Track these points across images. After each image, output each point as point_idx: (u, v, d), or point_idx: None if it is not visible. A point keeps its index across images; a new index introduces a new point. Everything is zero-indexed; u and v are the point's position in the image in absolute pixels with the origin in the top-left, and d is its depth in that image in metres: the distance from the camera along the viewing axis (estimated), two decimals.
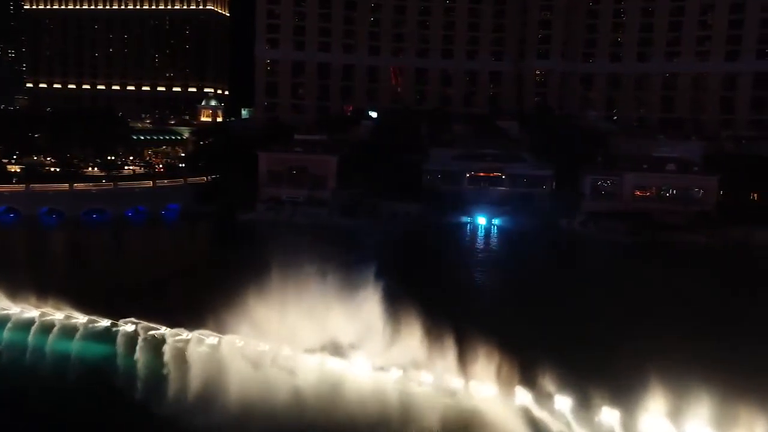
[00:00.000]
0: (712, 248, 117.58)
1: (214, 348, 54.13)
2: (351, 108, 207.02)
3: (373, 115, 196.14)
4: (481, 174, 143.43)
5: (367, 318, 51.68)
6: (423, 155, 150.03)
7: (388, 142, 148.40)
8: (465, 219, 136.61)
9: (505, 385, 44.07)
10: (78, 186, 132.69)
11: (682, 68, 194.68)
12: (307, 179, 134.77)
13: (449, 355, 47.36)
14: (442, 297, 72.81)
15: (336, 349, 51.06)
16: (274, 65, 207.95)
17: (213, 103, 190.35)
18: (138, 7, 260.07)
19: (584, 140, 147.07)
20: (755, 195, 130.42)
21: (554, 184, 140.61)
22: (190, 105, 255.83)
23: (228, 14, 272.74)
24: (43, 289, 64.89)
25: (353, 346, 51.10)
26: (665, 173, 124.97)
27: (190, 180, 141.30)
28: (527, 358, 46.41)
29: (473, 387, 45.51)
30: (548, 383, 44.16)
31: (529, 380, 45.07)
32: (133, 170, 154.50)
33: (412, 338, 49.39)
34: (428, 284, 79.97)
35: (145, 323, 58.31)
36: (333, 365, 50.54)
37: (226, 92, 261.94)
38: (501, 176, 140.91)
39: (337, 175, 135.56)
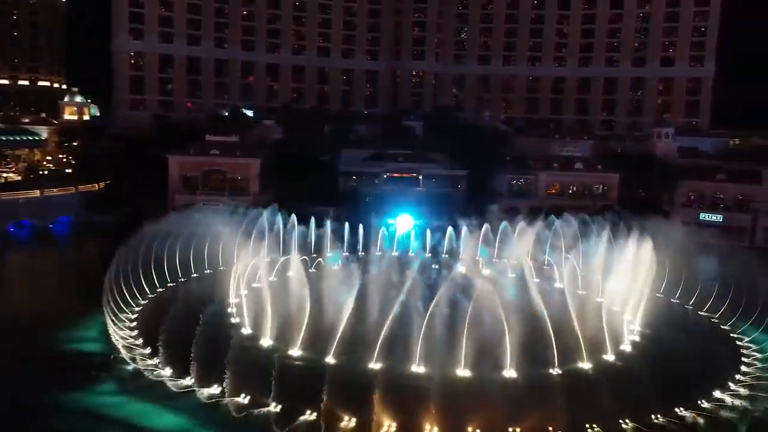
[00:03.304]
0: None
1: None
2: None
3: (249, 113, 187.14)
4: (396, 175, 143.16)
5: None
6: (333, 156, 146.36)
7: (297, 143, 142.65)
8: (387, 222, 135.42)
9: None
10: None
11: (543, 72, 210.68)
12: (226, 184, 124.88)
13: None
14: None
15: None
16: (137, 58, 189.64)
17: (78, 99, 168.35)
18: None
19: (485, 140, 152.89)
20: (642, 190, 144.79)
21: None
22: (22, 99, 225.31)
23: None
24: None
25: None
26: (575, 171, 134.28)
27: (81, 188, 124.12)
28: None
29: None
30: None
31: None
32: (6, 178, 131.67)
33: None
34: None
35: None
36: None
37: (64, 86, 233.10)
38: (417, 177, 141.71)
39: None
